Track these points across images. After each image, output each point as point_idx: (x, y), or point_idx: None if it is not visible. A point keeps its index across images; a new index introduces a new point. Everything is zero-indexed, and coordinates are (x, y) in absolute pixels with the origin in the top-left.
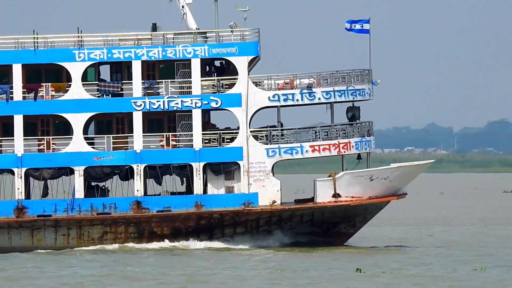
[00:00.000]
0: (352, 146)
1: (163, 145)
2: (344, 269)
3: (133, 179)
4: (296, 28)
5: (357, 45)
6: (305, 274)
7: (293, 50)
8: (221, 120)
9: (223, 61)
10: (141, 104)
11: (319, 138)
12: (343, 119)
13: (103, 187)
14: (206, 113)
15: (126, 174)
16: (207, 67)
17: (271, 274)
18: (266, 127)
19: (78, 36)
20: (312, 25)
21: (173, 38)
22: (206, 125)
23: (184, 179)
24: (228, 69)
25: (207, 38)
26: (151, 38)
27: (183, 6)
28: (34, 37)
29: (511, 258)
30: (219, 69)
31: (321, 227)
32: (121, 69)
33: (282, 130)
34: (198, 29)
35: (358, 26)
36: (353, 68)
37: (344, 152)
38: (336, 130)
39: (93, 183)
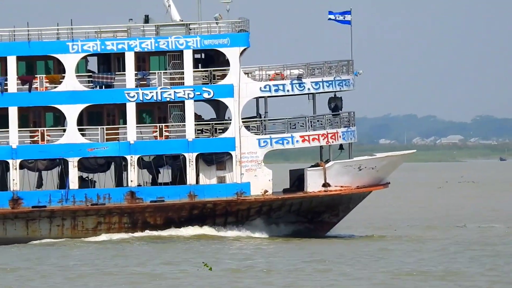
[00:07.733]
0: (340, 136)
1: (156, 136)
2: None
3: (114, 170)
4: (277, 19)
5: (337, 36)
6: None
7: (274, 40)
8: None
9: (210, 52)
10: (134, 95)
11: (309, 128)
12: (323, 109)
13: (86, 178)
14: None
15: (103, 165)
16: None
17: None
18: (256, 117)
19: (58, 28)
20: (293, 15)
21: (156, 30)
22: None
23: (176, 169)
24: (217, 60)
25: (190, 29)
26: (126, 31)
27: None
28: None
29: None
30: (204, 60)
31: (306, 217)
32: (108, 61)
33: (273, 120)
34: (182, 21)
35: (340, 17)
36: (332, 58)
37: (332, 142)
38: (324, 121)
39: (79, 175)
